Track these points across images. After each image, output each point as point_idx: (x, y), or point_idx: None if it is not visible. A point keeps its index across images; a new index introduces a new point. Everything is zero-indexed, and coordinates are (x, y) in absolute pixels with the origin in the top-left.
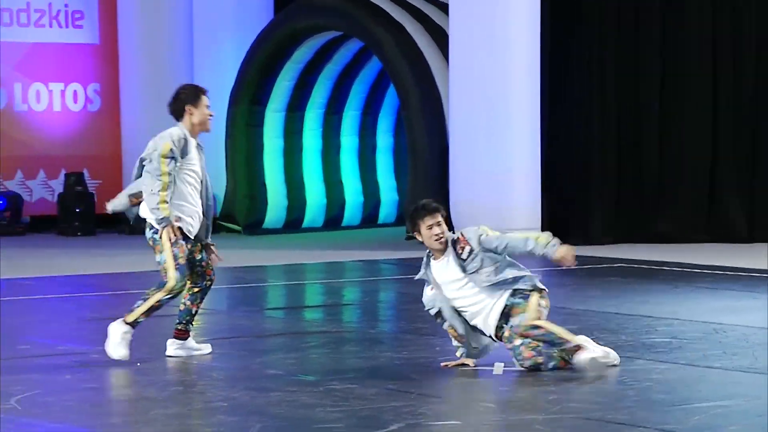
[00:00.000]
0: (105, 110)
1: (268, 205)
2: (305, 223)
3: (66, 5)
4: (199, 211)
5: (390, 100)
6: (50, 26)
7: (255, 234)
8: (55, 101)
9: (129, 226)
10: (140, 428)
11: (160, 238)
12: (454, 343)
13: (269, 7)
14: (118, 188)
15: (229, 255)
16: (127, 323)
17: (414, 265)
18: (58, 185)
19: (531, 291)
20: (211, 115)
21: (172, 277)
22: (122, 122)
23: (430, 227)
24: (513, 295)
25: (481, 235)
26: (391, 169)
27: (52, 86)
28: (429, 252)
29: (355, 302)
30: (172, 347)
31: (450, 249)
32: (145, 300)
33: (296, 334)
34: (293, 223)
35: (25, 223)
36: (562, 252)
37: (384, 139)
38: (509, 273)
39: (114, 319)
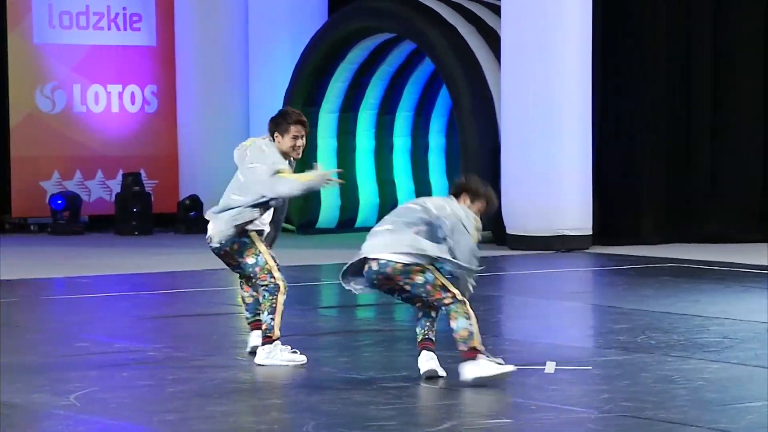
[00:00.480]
0: (162, 111)
1: (322, 204)
2: (358, 223)
3: (124, 8)
4: (268, 221)
5: (442, 101)
6: (108, 29)
7: (308, 233)
8: (113, 103)
9: (185, 225)
10: (195, 425)
11: (252, 242)
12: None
13: (323, 9)
14: (175, 188)
15: (283, 254)
16: (276, 338)
17: None
18: (115, 185)
19: None
20: (297, 146)
21: (280, 277)
22: (178, 123)
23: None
24: None
25: None
26: (443, 170)
27: (110, 88)
28: None
29: None
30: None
31: None
32: (273, 310)
33: (349, 333)
34: (346, 222)
35: (84, 223)
36: None
37: (436, 140)
38: None
39: (169, 317)
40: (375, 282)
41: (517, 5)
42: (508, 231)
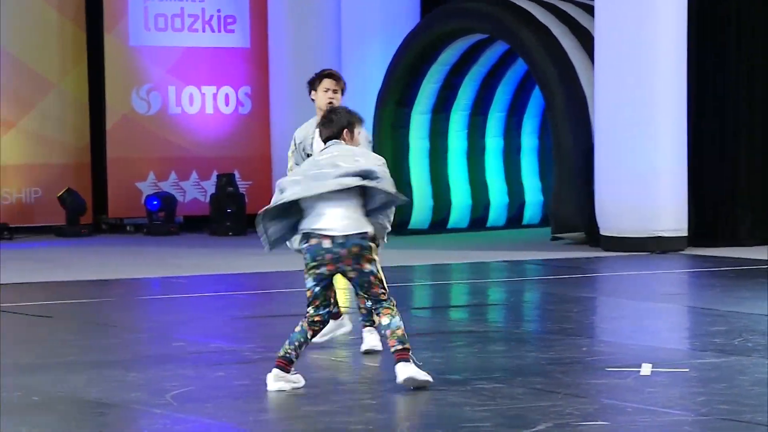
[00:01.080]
0: (255, 113)
1: (414, 206)
2: (450, 224)
3: (219, 10)
4: None
5: (535, 101)
6: (203, 31)
7: (401, 235)
8: (207, 104)
9: None
10: (291, 424)
11: (376, 246)
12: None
13: (416, 10)
14: (268, 189)
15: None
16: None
17: (559, 265)
18: (210, 186)
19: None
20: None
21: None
22: (272, 124)
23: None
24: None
25: None
26: (536, 170)
27: (204, 89)
28: None
29: (500, 302)
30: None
31: None
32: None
33: (442, 334)
34: (439, 223)
35: (179, 223)
36: None
37: (529, 140)
38: None
39: (264, 317)
40: (319, 259)
41: (611, 5)
42: (602, 232)
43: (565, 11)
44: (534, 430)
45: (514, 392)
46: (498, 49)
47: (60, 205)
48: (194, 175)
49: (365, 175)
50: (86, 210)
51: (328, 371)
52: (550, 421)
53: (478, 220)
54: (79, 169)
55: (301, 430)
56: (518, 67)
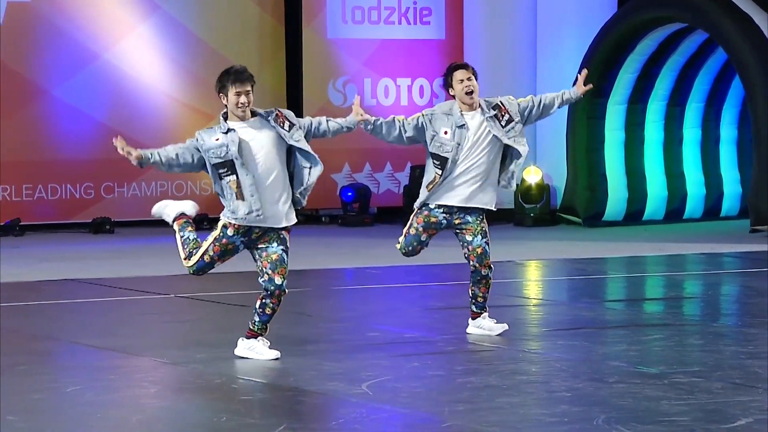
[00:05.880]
0: None
1: (609, 197)
2: (646, 216)
3: (414, 2)
4: None
5: (735, 91)
6: (399, 23)
7: (595, 226)
8: (402, 96)
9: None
10: (485, 416)
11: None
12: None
13: (612, 0)
14: None
15: (570, 247)
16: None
17: (758, 258)
18: (403, 177)
19: None
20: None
21: None
22: None
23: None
24: None
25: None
26: (734, 162)
27: (399, 81)
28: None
29: (697, 295)
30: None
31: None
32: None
33: (637, 326)
34: (634, 215)
35: (372, 214)
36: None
37: (728, 131)
38: None
39: (458, 309)
40: None
41: None
42: None
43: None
44: (733, 425)
45: (712, 386)
46: (697, 38)
47: None
48: (388, 167)
49: None
50: None
51: (520, 363)
52: (750, 417)
53: (674, 212)
54: None
55: (495, 422)
56: (718, 57)
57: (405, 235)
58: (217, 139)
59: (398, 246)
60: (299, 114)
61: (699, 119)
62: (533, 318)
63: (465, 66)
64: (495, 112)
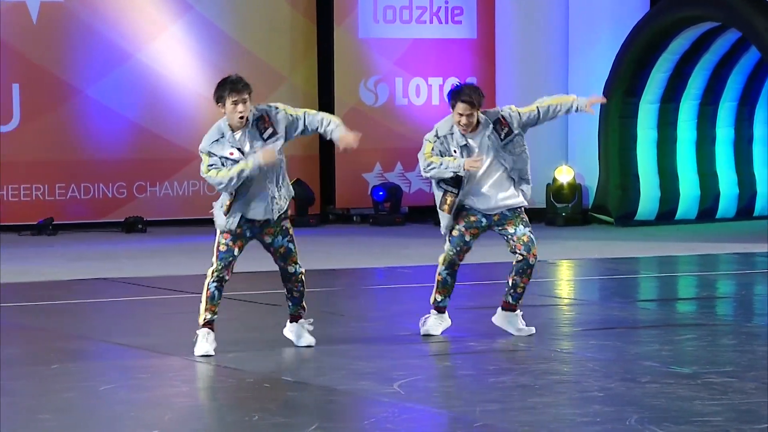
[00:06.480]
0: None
1: (641, 196)
2: (678, 215)
3: (446, 2)
4: None
5: None
6: (431, 22)
7: (627, 225)
8: (433, 95)
9: None
10: (517, 416)
11: None
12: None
13: None
14: None
15: (602, 246)
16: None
17: None
18: None
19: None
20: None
21: None
22: None
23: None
24: None
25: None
26: None
27: (431, 81)
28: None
29: (729, 295)
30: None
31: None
32: None
33: (670, 326)
34: (666, 214)
35: (404, 214)
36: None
37: (761, 130)
38: None
39: (489, 309)
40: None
41: None
42: None
43: None
44: (767, 426)
45: (745, 387)
46: (730, 37)
47: None
48: (419, 167)
49: None
50: (314, 201)
51: (552, 363)
52: None
53: (707, 212)
54: (307, 161)
55: (528, 422)
56: (751, 55)
57: (448, 240)
58: (231, 153)
59: (441, 258)
60: (331, 113)
61: (732, 118)
62: (565, 318)
63: (470, 101)
64: (495, 127)
